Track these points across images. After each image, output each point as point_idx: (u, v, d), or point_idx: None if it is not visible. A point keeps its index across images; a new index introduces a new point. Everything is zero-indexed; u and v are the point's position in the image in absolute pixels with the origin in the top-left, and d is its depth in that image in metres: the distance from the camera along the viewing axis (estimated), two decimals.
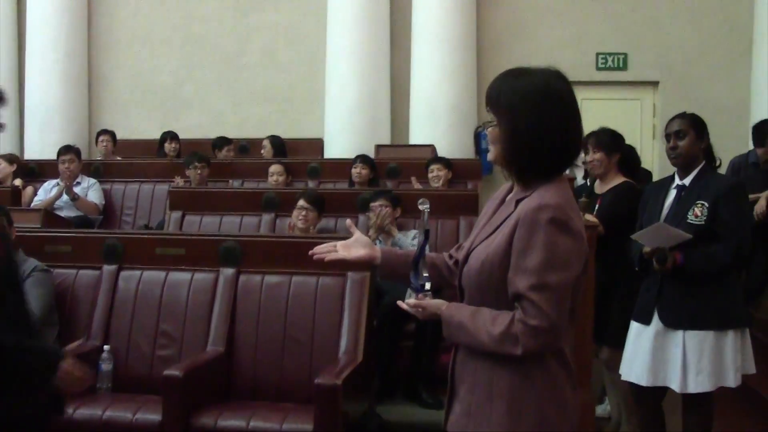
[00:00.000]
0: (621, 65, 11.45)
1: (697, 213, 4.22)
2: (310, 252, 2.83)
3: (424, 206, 2.72)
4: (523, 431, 2.40)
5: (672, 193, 4.43)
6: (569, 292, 2.37)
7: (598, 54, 11.45)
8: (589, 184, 5.75)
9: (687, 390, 4.24)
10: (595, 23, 11.47)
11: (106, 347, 4.84)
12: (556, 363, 2.43)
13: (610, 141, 5.21)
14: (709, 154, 4.44)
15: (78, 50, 12.49)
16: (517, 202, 2.45)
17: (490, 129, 2.50)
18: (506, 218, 2.44)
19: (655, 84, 11.43)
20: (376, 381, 5.50)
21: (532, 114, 2.41)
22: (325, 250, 2.82)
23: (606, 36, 11.45)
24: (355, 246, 2.81)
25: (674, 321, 4.27)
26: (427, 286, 2.65)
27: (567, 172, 6.78)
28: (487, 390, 2.44)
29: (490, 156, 2.59)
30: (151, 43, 12.65)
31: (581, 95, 10.26)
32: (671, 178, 4.51)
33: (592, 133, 5.27)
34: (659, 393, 4.50)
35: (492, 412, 2.43)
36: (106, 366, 4.78)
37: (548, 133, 2.41)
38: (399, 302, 2.67)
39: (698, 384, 4.21)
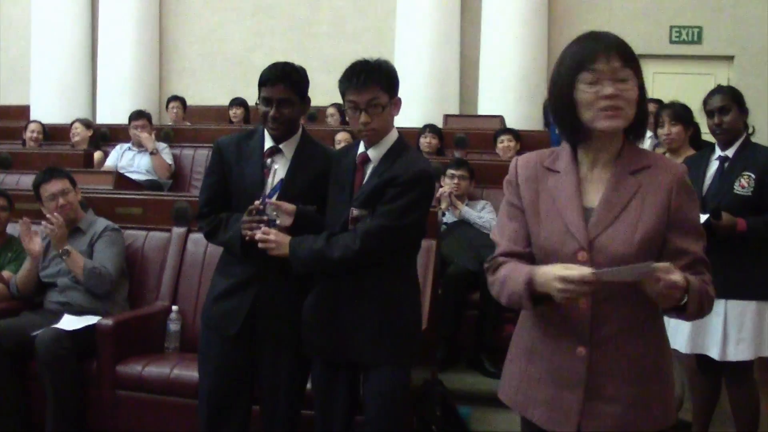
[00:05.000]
0: (695, 39, 11.23)
1: (744, 184, 4.19)
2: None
3: (274, 166, 3.37)
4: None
5: (714, 165, 4.39)
6: None
7: (672, 27, 11.25)
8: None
9: (726, 358, 4.23)
10: None
11: (174, 308, 4.91)
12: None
13: (688, 115, 5.19)
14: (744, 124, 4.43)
15: (150, 18, 12.70)
16: (634, 173, 2.34)
17: (621, 87, 2.29)
18: (635, 193, 2.32)
19: (730, 59, 11.20)
20: (440, 349, 5.53)
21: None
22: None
23: (681, 9, 11.24)
24: None
25: (716, 290, 4.24)
26: (278, 221, 3.22)
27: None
28: (653, 372, 2.42)
29: (620, 123, 2.29)
30: (222, 11, 12.79)
31: (653, 68, 10.04)
32: (711, 150, 4.47)
33: (667, 106, 5.25)
34: (720, 367, 4.46)
35: (654, 397, 2.42)
36: (174, 326, 4.84)
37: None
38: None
39: (738, 352, 4.20)
